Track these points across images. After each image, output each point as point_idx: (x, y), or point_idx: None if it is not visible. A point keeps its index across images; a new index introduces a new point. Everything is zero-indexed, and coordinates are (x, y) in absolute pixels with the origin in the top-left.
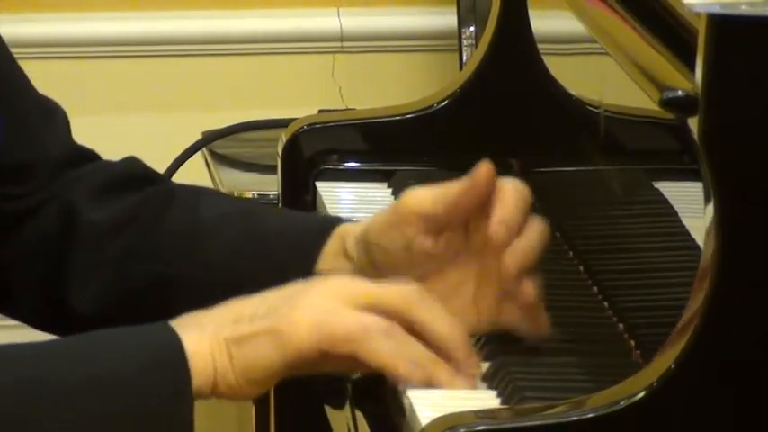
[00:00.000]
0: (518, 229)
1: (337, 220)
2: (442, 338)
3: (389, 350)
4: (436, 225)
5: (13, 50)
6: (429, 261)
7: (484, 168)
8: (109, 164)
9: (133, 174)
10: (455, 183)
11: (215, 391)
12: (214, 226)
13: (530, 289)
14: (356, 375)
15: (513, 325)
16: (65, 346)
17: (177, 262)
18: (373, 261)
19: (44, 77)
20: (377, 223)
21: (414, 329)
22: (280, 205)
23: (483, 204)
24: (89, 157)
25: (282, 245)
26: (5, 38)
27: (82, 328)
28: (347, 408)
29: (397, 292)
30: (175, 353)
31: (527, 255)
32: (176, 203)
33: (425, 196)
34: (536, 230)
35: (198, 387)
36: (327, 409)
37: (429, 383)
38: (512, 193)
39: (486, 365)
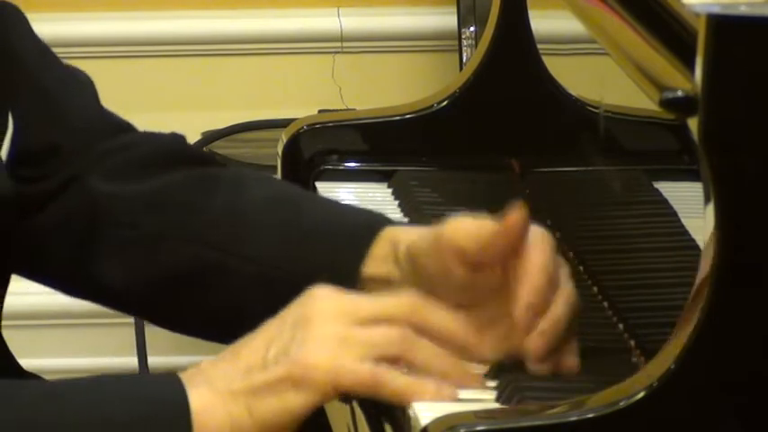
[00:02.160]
0: (548, 300)
1: (385, 221)
2: (451, 337)
3: (406, 385)
4: (473, 259)
5: None
6: (466, 292)
7: (515, 214)
8: (148, 137)
9: (174, 151)
10: (491, 222)
11: None
12: (258, 214)
13: (570, 363)
14: None
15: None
16: (69, 388)
17: (218, 248)
18: (418, 275)
19: None
20: (421, 242)
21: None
22: None
23: (516, 247)
24: (122, 127)
25: (328, 240)
26: None
27: (113, 299)
28: (347, 408)
29: (398, 301)
30: (178, 410)
31: (552, 333)
32: (220, 187)
33: (465, 230)
34: (563, 302)
35: None
36: (327, 408)
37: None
38: (539, 262)
39: (486, 366)
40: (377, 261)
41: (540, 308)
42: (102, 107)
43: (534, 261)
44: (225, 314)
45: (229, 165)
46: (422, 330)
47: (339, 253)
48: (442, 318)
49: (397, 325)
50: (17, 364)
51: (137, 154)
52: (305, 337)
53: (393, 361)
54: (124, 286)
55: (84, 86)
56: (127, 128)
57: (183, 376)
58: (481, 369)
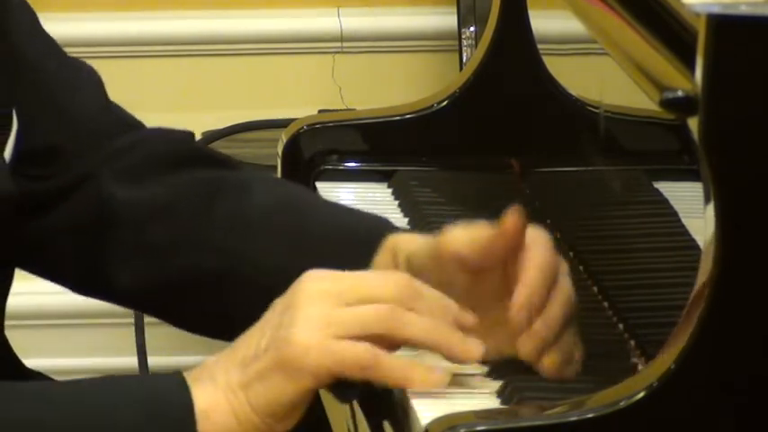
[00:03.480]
0: (544, 299)
1: (387, 228)
2: (441, 313)
3: (402, 368)
4: (473, 266)
5: None
6: (468, 298)
7: (512, 217)
8: (157, 136)
9: (183, 151)
10: (489, 229)
11: None
12: (262, 220)
13: (549, 364)
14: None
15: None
16: (72, 389)
17: (221, 255)
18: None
19: None
20: (420, 252)
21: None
22: None
23: (515, 251)
24: (130, 124)
25: (332, 249)
26: None
27: (125, 299)
28: (347, 407)
29: (385, 281)
30: (182, 410)
31: (546, 335)
32: (225, 193)
33: (463, 239)
34: (559, 303)
35: None
36: (327, 409)
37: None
38: (534, 261)
39: (486, 366)
40: (380, 268)
41: (535, 307)
42: (109, 103)
43: (529, 260)
44: (228, 319)
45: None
46: (411, 309)
47: (342, 262)
48: (431, 295)
49: (385, 302)
50: (21, 363)
51: (144, 155)
52: (291, 320)
53: (383, 339)
54: (134, 287)
55: (91, 83)
56: (135, 124)
57: (188, 376)
58: (481, 370)
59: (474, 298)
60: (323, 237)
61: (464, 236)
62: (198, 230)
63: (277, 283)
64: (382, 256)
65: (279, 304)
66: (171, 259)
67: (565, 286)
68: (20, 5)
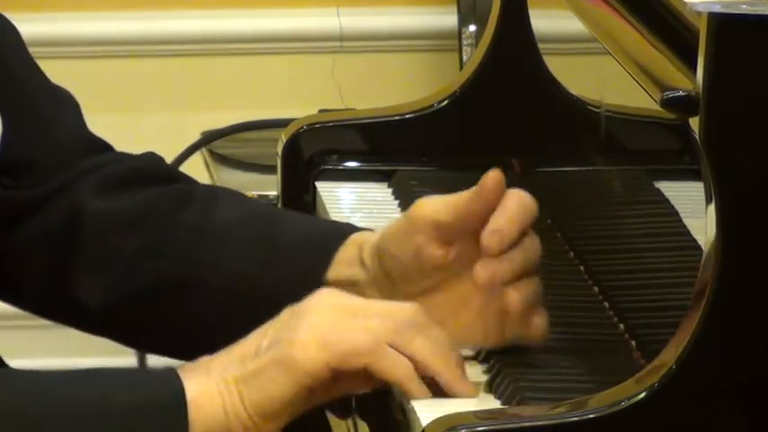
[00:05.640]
0: (515, 241)
1: (352, 228)
2: (434, 369)
3: (402, 364)
4: (446, 234)
5: None
6: (439, 272)
7: (492, 175)
8: (125, 156)
9: (150, 169)
10: (465, 192)
11: None
12: (229, 229)
13: (513, 299)
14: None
15: (517, 338)
16: (64, 377)
17: (191, 263)
18: (386, 270)
19: None
20: (389, 231)
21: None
22: (279, 205)
23: (491, 214)
24: (102, 147)
25: (295, 250)
26: None
27: (88, 319)
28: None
29: (397, 308)
30: (174, 396)
31: (507, 268)
32: (193, 203)
33: (437, 204)
34: (527, 248)
35: (208, 431)
36: (328, 411)
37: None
38: (515, 203)
39: (486, 367)
40: (341, 265)
41: (508, 237)
42: (85, 126)
43: (511, 198)
44: (193, 330)
45: (229, 165)
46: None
47: (305, 261)
48: (439, 331)
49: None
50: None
51: (115, 172)
52: (297, 324)
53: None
54: (99, 305)
55: (70, 105)
56: (107, 147)
57: (181, 369)
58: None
59: (444, 271)
60: (288, 241)
61: (438, 202)
62: (164, 240)
63: (239, 287)
64: (346, 250)
65: (288, 311)
66: (137, 269)
67: (533, 236)
68: (4, 24)
